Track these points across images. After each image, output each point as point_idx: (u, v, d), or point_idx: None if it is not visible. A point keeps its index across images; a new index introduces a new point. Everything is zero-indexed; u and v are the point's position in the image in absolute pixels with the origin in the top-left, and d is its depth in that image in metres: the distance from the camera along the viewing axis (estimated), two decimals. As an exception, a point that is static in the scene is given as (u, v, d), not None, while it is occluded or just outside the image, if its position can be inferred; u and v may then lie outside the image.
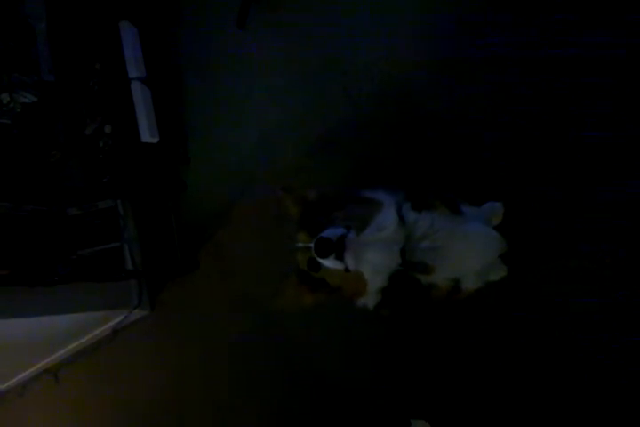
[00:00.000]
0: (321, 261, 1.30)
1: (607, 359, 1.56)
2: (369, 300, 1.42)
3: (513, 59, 1.78)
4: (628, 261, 1.56)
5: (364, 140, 2.14)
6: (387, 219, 1.34)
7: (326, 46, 2.30)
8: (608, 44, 1.64)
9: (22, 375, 3.99)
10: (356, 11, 2.20)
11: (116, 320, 3.02)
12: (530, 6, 1.78)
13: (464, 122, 1.88)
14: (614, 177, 1.59)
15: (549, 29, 1.74)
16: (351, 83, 2.20)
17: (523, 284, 1.71)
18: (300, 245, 1.40)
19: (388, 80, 2.09)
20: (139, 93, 2.72)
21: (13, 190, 2.45)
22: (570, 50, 1.68)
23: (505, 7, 1.82)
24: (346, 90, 2.21)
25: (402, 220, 1.36)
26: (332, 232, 1.29)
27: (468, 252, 1.42)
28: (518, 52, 1.78)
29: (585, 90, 1.66)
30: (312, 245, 1.29)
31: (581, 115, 1.65)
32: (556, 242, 1.67)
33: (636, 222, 1.56)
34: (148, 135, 2.69)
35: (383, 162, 2.06)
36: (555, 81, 1.71)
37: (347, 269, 1.31)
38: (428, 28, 1.98)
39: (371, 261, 1.31)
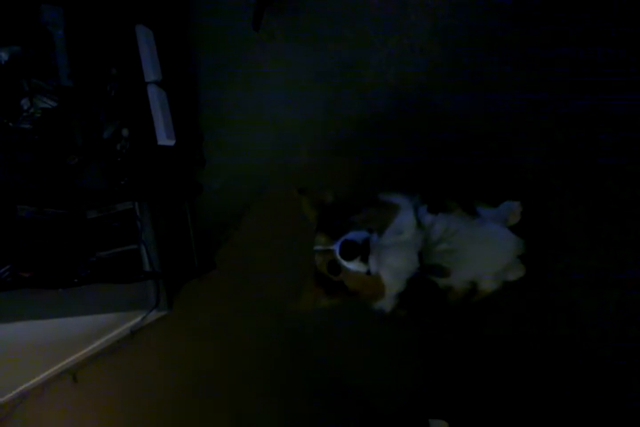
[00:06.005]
0: (345, 263, 1.29)
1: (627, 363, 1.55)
2: (386, 303, 1.42)
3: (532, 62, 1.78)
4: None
5: (379, 142, 2.14)
6: (405, 222, 1.34)
7: (341, 49, 2.30)
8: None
9: (42, 376, 4.05)
10: (373, 13, 2.20)
11: (134, 321, 3.06)
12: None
13: (479, 122, 1.87)
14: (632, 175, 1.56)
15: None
16: (366, 85, 2.20)
17: (539, 283, 1.70)
18: (319, 247, 1.38)
19: (403, 82, 2.08)
20: (155, 97, 2.75)
21: (34, 194, 2.49)
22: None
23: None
24: (361, 92, 2.22)
25: (419, 223, 1.36)
26: (356, 235, 1.29)
27: (483, 254, 1.42)
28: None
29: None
30: (335, 247, 1.28)
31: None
32: (573, 241, 1.65)
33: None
34: (164, 138, 2.72)
35: (399, 164, 2.06)
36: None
37: (368, 273, 1.31)
38: (445, 31, 1.97)
39: (391, 266, 1.31)
